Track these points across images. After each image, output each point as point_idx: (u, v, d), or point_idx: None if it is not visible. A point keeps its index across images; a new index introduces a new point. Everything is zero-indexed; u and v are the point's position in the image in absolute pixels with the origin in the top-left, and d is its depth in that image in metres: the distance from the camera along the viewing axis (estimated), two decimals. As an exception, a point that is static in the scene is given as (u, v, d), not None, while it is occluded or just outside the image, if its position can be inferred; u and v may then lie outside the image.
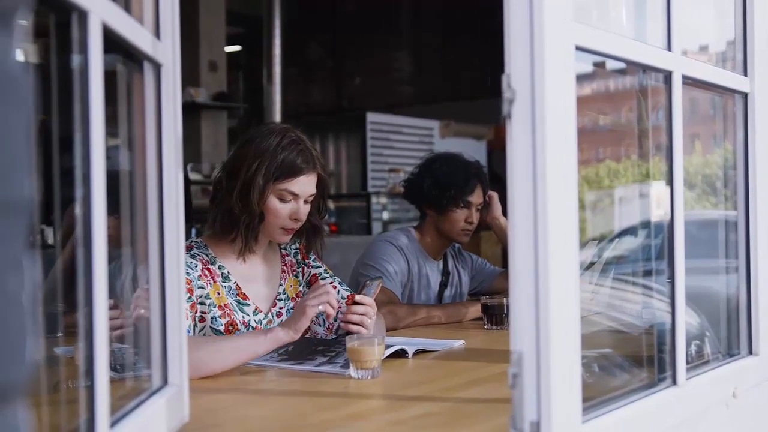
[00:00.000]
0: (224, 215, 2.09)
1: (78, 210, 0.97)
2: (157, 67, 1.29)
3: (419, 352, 2.08)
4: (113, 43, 1.06)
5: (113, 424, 1.04)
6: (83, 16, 0.95)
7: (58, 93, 0.98)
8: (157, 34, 1.29)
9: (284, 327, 1.89)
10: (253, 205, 2.05)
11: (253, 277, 2.17)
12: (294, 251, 2.30)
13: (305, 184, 2.09)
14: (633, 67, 1.52)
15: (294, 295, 2.24)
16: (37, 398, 0.88)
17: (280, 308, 2.20)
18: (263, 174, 2.04)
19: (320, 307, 1.88)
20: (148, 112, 1.29)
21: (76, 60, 0.97)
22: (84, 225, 0.96)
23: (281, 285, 2.22)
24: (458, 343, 2.25)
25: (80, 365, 0.97)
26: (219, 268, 2.11)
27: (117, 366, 1.28)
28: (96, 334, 0.96)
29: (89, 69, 0.96)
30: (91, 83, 0.96)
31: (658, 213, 1.83)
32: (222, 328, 2.04)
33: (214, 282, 2.08)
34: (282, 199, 2.08)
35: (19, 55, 0.51)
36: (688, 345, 1.53)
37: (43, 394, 1.04)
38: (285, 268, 2.26)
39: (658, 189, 1.78)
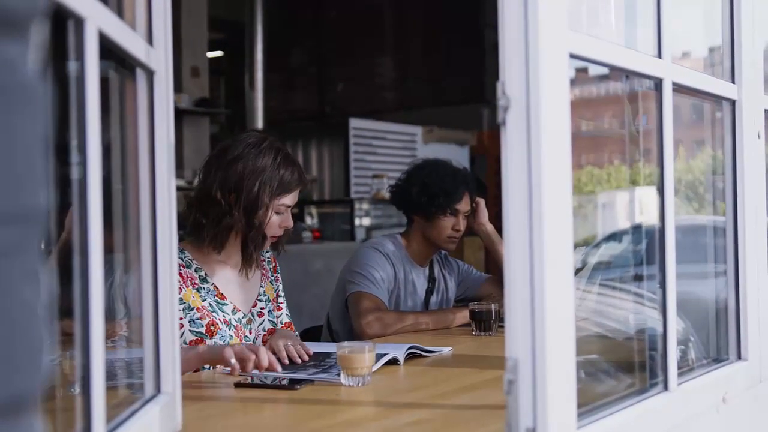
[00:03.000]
0: (224, 231, 2.13)
1: (74, 217, 0.96)
2: (150, 74, 1.28)
3: (411, 357, 2.08)
4: (106, 49, 1.05)
5: (108, 433, 1.03)
6: (80, 23, 0.94)
7: (52, 99, 0.97)
8: (149, 41, 1.28)
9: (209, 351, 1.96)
10: (260, 222, 2.13)
11: (233, 278, 2.23)
12: (267, 260, 2.37)
13: (296, 196, 2.22)
14: (618, 73, 1.53)
15: (271, 299, 2.32)
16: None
17: (261, 308, 2.28)
18: (267, 193, 2.12)
19: (233, 360, 1.82)
20: (141, 119, 1.28)
21: (71, 66, 0.96)
22: (80, 232, 0.95)
23: (262, 287, 2.30)
24: (446, 350, 2.25)
25: (69, 373, 0.96)
26: (196, 271, 2.16)
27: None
28: (92, 343, 0.95)
29: (86, 75, 0.95)
30: (87, 90, 0.95)
31: (642, 218, 1.84)
32: (203, 329, 2.10)
33: (189, 285, 2.12)
34: (278, 213, 2.18)
35: (34, 65, 0.51)
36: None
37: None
38: (264, 271, 2.34)
39: (641, 194, 1.78)
